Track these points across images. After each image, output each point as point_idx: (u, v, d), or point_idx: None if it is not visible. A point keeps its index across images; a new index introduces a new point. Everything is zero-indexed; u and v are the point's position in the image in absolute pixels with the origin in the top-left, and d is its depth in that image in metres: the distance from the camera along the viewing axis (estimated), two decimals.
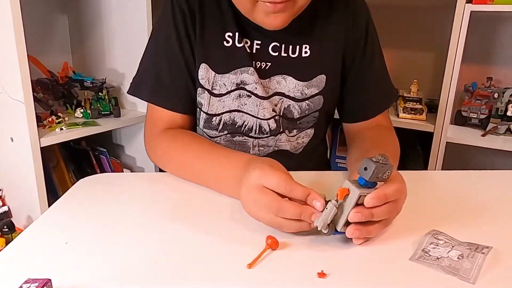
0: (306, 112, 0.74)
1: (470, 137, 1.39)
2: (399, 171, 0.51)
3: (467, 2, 1.27)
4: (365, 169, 0.43)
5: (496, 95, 1.41)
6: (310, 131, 0.78)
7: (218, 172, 0.60)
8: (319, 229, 0.45)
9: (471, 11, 1.26)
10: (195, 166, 0.64)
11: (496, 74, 1.53)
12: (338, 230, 0.46)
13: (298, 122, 0.75)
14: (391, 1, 1.59)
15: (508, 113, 1.37)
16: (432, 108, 1.51)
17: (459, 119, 1.49)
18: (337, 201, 0.45)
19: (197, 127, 0.77)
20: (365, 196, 0.44)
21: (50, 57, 1.41)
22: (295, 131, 0.76)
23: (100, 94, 1.30)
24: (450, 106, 1.36)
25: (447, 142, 1.39)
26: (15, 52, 0.97)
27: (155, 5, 1.28)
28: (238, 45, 0.69)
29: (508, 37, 1.53)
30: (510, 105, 1.37)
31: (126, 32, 1.33)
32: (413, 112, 1.47)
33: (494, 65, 1.56)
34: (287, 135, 0.76)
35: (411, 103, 1.48)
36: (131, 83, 0.76)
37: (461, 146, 1.39)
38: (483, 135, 1.39)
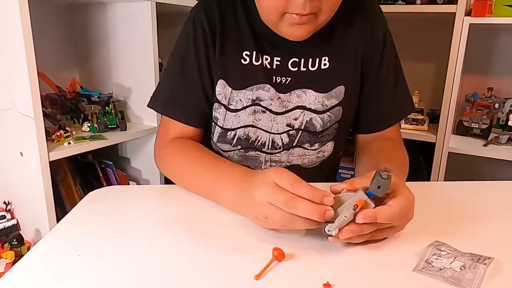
0: (328, 124, 0.74)
1: (472, 147, 1.40)
2: None
3: (466, 15, 1.29)
4: (378, 187, 0.47)
5: (497, 105, 1.42)
6: (331, 145, 0.78)
7: (217, 185, 0.62)
8: (334, 234, 0.46)
9: (470, 24, 1.28)
10: (198, 177, 0.65)
11: (497, 84, 1.55)
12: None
13: (320, 135, 0.75)
14: (392, 14, 1.62)
15: (509, 123, 1.39)
16: (434, 118, 1.52)
17: (461, 129, 1.50)
18: (354, 209, 0.46)
19: (211, 141, 0.79)
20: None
21: (58, 73, 1.44)
22: (316, 144, 0.76)
23: (106, 108, 1.32)
24: (452, 116, 1.38)
25: (449, 152, 1.40)
26: (25, 69, 0.99)
27: (160, 22, 1.32)
28: (256, 63, 0.70)
29: (508, 48, 1.55)
30: (511, 115, 1.38)
31: (132, 48, 1.37)
32: (415, 122, 1.48)
33: (495, 76, 1.58)
34: (306, 149, 0.76)
35: (413, 113, 1.49)
36: (151, 97, 0.79)
37: (463, 156, 1.40)
38: (485, 145, 1.40)
